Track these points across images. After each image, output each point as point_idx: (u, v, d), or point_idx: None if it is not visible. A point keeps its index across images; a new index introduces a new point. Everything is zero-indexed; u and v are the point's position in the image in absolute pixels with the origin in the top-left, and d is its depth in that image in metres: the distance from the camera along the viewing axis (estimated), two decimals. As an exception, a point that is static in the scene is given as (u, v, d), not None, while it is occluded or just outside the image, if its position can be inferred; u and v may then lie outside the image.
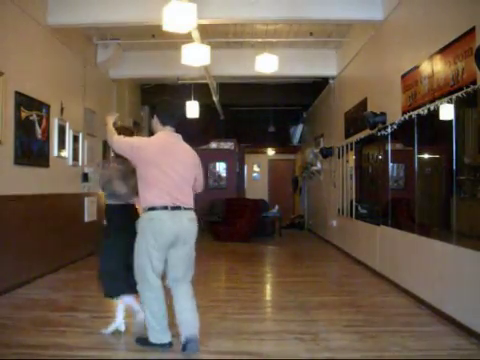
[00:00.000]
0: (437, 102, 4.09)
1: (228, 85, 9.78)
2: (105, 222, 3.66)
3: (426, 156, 4.63)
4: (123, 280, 3.44)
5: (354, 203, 6.99)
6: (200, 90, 9.47)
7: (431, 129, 4.37)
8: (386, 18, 5.63)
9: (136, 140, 3.35)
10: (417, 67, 4.61)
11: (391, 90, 5.33)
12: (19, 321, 3.83)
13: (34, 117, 5.42)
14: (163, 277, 3.28)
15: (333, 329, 3.72)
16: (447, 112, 3.90)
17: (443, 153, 4.18)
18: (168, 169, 3.17)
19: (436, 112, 4.10)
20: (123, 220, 3.53)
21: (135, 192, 3.40)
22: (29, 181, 5.34)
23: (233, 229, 9.66)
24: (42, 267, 5.55)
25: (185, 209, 3.20)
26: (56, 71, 6.12)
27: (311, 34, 7.46)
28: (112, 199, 3.57)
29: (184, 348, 3.15)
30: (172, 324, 3.25)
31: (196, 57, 5.90)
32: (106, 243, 3.54)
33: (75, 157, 6.68)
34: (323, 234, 9.75)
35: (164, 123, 3.35)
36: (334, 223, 8.50)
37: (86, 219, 6.97)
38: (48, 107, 5.78)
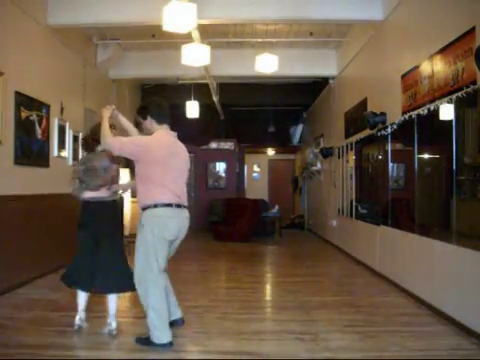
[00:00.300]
0: (437, 102, 4.10)
1: (228, 85, 9.78)
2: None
3: (426, 156, 4.63)
4: (80, 273, 3.53)
5: (354, 203, 6.99)
6: (200, 90, 9.47)
7: (431, 129, 4.37)
8: (386, 18, 5.63)
9: (143, 141, 3.32)
10: (417, 67, 4.61)
11: (391, 90, 5.33)
12: (19, 321, 3.83)
13: (34, 117, 5.42)
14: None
15: (333, 329, 3.72)
16: (447, 112, 3.90)
17: (443, 153, 4.18)
18: (172, 168, 3.29)
19: (436, 112, 4.10)
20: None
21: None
22: (29, 181, 5.34)
23: (233, 229, 9.66)
24: (42, 267, 5.54)
25: (184, 207, 3.35)
26: (56, 71, 6.12)
27: (311, 34, 7.47)
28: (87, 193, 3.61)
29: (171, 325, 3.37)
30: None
31: (196, 57, 5.90)
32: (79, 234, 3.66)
33: (75, 157, 6.67)
34: (323, 234, 9.75)
35: (160, 122, 3.39)
36: (334, 223, 8.50)
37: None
38: (48, 107, 5.78)
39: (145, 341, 3.27)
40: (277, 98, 10.77)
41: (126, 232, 8.77)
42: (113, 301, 3.55)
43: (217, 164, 12.13)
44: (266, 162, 15.99)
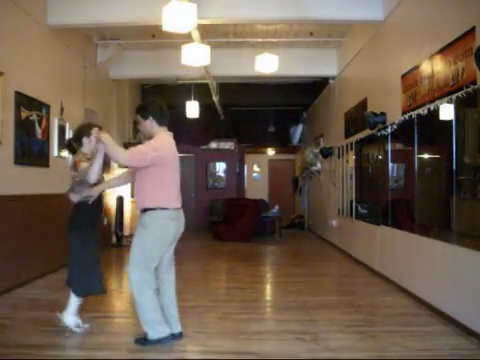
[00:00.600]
0: (437, 102, 4.09)
1: (228, 85, 9.77)
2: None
3: (426, 156, 4.63)
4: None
5: (354, 203, 6.99)
6: (200, 90, 9.47)
7: (431, 129, 4.37)
8: (386, 18, 5.63)
9: (158, 145, 3.27)
10: (417, 67, 4.61)
11: (391, 90, 5.33)
12: (19, 321, 3.83)
13: (34, 117, 5.42)
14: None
15: (333, 329, 3.72)
16: (447, 112, 3.90)
17: (443, 153, 4.18)
18: (176, 170, 3.39)
19: (436, 112, 4.10)
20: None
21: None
22: (29, 181, 5.34)
23: (233, 229, 9.66)
24: (42, 267, 5.54)
25: (181, 208, 3.43)
26: (56, 71, 6.12)
27: (311, 34, 7.46)
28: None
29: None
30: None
31: (196, 57, 5.90)
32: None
33: (75, 157, 6.67)
34: (323, 234, 9.75)
35: (161, 123, 3.40)
36: (334, 223, 8.50)
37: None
38: (48, 107, 5.78)
39: (144, 340, 3.28)
40: (277, 98, 10.77)
41: (126, 232, 8.80)
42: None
43: (217, 164, 12.13)
44: (266, 162, 15.99)
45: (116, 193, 8.35)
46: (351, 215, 7.15)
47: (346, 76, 7.88)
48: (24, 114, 5.17)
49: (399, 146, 5.36)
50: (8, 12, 4.94)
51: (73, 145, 3.72)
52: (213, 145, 12.13)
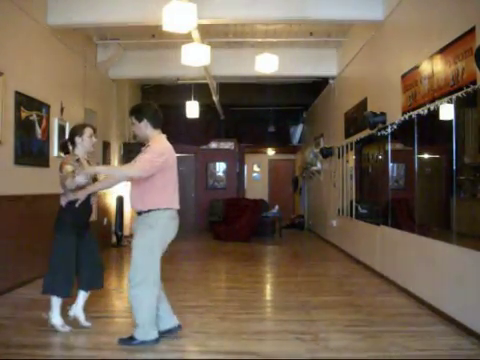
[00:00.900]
0: (437, 102, 4.09)
1: (228, 85, 9.77)
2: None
3: (426, 156, 4.63)
4: None
5: (354, 203, 6.99)
6: (200, 90, 9.46)
7: (431, 129, 4.37)
8: (386, 18, 5.63)
9: (161, 150, 3.30)
10: (417, 67, 4.61)
11: (391, 90, 5.33)
12: (19, 321, 3.84)
13: (34, 117, 5.42)
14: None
15: (333, 329, 3.72)
16: (447, 112, 3.90)
17: (443, 153, 4.18)
18: (174, 172, 3.42)
19: (436, 112, 4.10)
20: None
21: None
22: (29, 181, 5.34)
23: (233, 229, 9.66)
24: (42, 267, 5.51)
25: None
26: (56, 71, 6.12)
27: (311, 34, 7.46)
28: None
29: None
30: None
31: (196, 57, 5.90)
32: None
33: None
34: (323, 234, 9.75)
35: (155, 126, 3.43)
36: (334, 223, 8.50)
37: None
38: (48, 107, 5.78)
39: (129, 340, 3.28)
40: (277, 98, 10.76)
41: (126, 232, 8.80)
42: None
43: (217, 164, 12.13)
44: (266, 162, 15.99)
45: (116, 193, 8.36)
46: (351, 215, 7.15)
47: (346, 76, 7.88)
48: (24, 114, 5.17)
49: (399, 146, 5.36)
50: (8, 12, 4.94)
51: (68, 146, 3.72)
52: (213, 145, 12.13)
